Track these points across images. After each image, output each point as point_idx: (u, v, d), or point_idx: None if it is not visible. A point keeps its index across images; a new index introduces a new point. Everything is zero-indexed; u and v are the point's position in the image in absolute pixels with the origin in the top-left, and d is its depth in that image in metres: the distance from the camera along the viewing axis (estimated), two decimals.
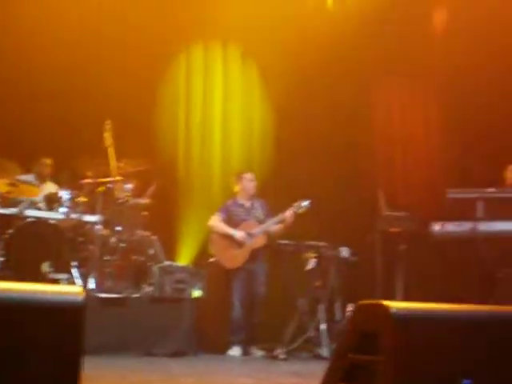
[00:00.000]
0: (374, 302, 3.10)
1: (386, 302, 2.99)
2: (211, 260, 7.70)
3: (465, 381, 2.98)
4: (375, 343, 2.98)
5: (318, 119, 8.93)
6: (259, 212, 7.76)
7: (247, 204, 7.85)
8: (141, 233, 7.61)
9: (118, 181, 7.51)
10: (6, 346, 2.46)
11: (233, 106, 9.35)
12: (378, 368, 2.94)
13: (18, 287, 2.59)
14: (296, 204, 7.54)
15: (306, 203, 7.55)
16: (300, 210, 7.53)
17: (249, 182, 7.85)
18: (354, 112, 9.13)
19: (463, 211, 7.68)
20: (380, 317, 2.99)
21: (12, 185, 7.14)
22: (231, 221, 7.73)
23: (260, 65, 9.36)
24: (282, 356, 6.97)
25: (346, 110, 8.97)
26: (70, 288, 2.60)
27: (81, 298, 2.54)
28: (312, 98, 8.94)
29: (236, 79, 9.42)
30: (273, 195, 8.19)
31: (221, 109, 9.28)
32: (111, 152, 7.51)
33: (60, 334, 2.50)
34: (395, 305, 2.98)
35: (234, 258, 7.58)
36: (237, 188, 7.90)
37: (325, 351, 7.02)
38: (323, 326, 7.22)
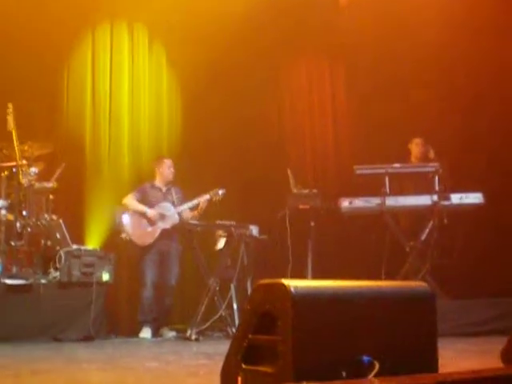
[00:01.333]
0: (272, 281, 3.10)
1: (284, 281, 3.00)
2: (122, 236, 7.64)
3: (364, 357, 3.02)
4: (274, 323, 2.99)
5: (227, 101, 8.89)
6: (174, 197, 7.78)
7: (164, 188, 7.91)
8: (48, 217, 7.45)
9: (22, 165, 7.31)
10: None
11: (140, 86, 9.21)
12: (277, 348, 2.95)
13: None
14: (212, 192, 7.60)
15: (221, 191, 7.62)
16: (215, 198, 7.58)
17: (168, 167, 7.89)
18: (263, 92, 9.15)
19: (370, 187, 7.83)
20: (278, 296, 3.00)
21: None
22: (146, 202, 7.78)
23: (167, 47, 9.25)
24: (193, 336, 6.97)
25: (254, 90, 8.97)
26: None
27: None
28: (220, 80, 8.90)
29: (143, 61, 9.27)
30: (182, 181, 8.15)
31: (128, 90, 9.12)
32: (14, 135, 7.30)
33: None
34: (294, 283, 2.99)
35: (144, 236, 7.62)
36: (156, 172, 7.89)
37: None
38: (235, 305, 7.26)
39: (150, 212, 7.64)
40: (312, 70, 9.69)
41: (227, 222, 7.36)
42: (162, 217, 7.62)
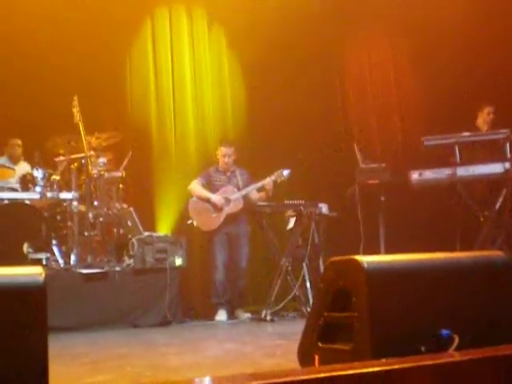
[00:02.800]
0: (344, 257, 3.06)
1: (356, 257, 2.95)
2: (188, 222, 7.68)
3: (444, 331, 2.95)
4: (349, 300, 2.95)
5: (290, 80, 8.82)
6: (239, 179, 7.74)
7: (228, 171, 7.83)
8: (118, 206, 7.56)
9: (90, 156, 7.42)
10: None
11: (202, 70, 9.24)
12: (353, 325, 2.91)
13: None
14: (276, 173, 7.53)
15: (286, 172, 7.54)
16: (280, 179, 7.52)
17: (223, 155, 7.81)
18: (326, 69, 9.05)
19: (440, 158, 7.66)
20: (352, 272, 2.95)
21: None
22: (211, 186, 7.75)
23: (228, 29, 9.22)
24: (268, 317, 6.98)
25: (317, 67, 8.87)
26: (31, 269, 2.55)
27: (41, 278, 2.49)
28: (282, 59, 8.82)
29: (203, 45, 9.29)
30: (250, 162, 8.13)
31: (190, 75, 9.16)
32: (81, 127, 7.41)
33: (23, 316, 2.47)
34: (366, 259, 2.93)
35: (209, 221, 7.61)
36: (218, 156, 7.87)
37: None
38: (308, 284, 7.23)
39: (214, 197, 7.61)
40: (375, 42, 9.52)
41: (296, 202, 7.31)
42: (227, 201, 7.60)
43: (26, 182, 7.38)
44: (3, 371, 2.51)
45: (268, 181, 7.53)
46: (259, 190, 7.65)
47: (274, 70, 8.82)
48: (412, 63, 9.19)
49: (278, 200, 7.53)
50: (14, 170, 7.55)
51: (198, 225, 7.67)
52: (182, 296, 7.29)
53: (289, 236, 7.42)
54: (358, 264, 2.90)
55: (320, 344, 3.05)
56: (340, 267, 3.07)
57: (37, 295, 2.44)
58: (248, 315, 7.52)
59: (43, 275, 2.47)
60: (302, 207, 7.23)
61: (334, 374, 2.30)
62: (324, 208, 7.35)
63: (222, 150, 7.82)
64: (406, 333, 2.93)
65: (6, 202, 7.12)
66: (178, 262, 7.27)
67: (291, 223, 7.32)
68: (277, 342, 5.25)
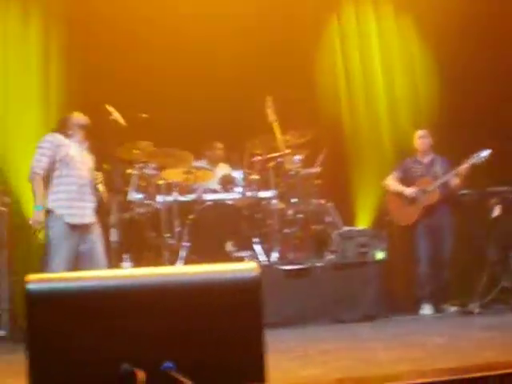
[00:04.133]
0: None
1: None
2: (386, 218, 7.61)
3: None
4: None
5: (481, 63, 8.45)
6: (438, 168, 7.55)
7: (426, 160, 7.69)
8: (316, 202, 7.61)
9: (286, 154, 7.54)
10: (194, 325, 2.53)
11: (392, 60, 9.09)
12: None
13: (199, 270, 2.65)
14: (475, 155, 7.23)
15: (485, 153, 7.19)
16: (479, 161, 7.20)
17: (418, 139, 7.66)
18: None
19: None
20: None
21: (188, 172, 7.42)
22: (408, 178, 7.63)
23: (416, 16, 9.02)
24: (476, 310, 6.75)
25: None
26: (246, 265, 2.62)
27: (257, 273, 2.56)
28: (476, 41, 8.48)
29: (392, 34, 9.14)
30: (448, 148, 7.87)
31: (380, 65, 9.04)
32: (276, 127, 7.55)
33: (241, 309, 2.54)
34: None
35: (406, 215, 7.48)
36: (414, 142, 7.73)
37: None
38: None
39: (408, 191, 7.47)
40: None
41: (501, 188, 7.00)
42: (423, 193, 7.41)
43: (227, 183, 7.66)
44: (224, 362, 2.60)
45: (464, 165, 7.25)
46: (457, 176, 7.37)
47: (466, 51, 8.48)
48: None
49: (475, 185, 7.23)
50: (213, 171, 7.82)
51: (396, 220, 7.58)
52: (384, 290, 7.20)
53: (492, 224, 7.12)
54: None
55: None
56: None
57: (253, 288, 2.51)
58: (454, 308, 7.29)
59: (258, 269, 2.54)
60: (508, 194, 6.91)
61: None
62: None
63: (417, 133, 7.69)
64: None
65: (208, 202, 7.39)
66: (380, 255, 7.20)
67: (496, 211, 7.01)
68: (486, 335, 5.05)
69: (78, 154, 6.02)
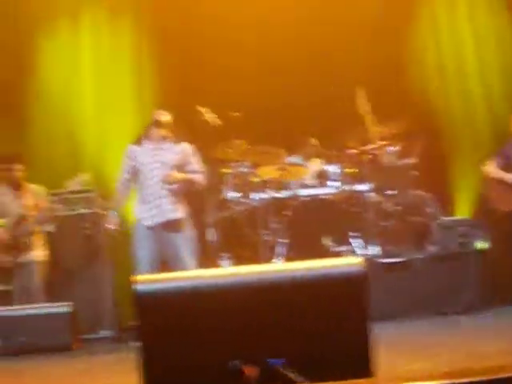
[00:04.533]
0: None
1: None
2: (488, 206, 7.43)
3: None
4: None
5: None
6: None
7: None
8: (413, 193, 7.50)
9: (381, 146, 7.46)
10: (300, 320, 2.54)
11: (485, 45, 8.84)
12: None
13: (305, 266, 2.66)
14: None
15: None
16: None
17: None
18: None
19: None
20: None
21: (282, 169, 7.43)
22: (509, 164, 7.40)
23: None
24: None
25: None
26: (351, 260, 2.62)
27: (363, 267, 2.55)
28: None
29: (484, 17, 8.89)
30: None
31: (472, 51, 8.81)
32: (369, 119, 7.47)
33: (348, 304, 2.54)
34: None
35: (508, 201, 7.28)
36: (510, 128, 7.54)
37: None
38: None
39: (507, 176, 7.30)
40: None
41: None
42: None
43: (321, 178, 7.63)
44: (331, 357, 2.60)
45: None
46: None
47: None
48: None
49: None
50: (307, 167, 7.80)
51: (498, 206, 7.38)
52: (487, 281, 7.02)
53: None
54: None
55: None
56: None
57: (360, 283, 2.50)
58: None
59: (364, 264, 2.54)
60: None
61: None
62: None
63: None
64: None
65: (304, 198, 7.39)
66: (482, 245, 7.04)
67: None
68: None
69: (149, 157, 6.21)
